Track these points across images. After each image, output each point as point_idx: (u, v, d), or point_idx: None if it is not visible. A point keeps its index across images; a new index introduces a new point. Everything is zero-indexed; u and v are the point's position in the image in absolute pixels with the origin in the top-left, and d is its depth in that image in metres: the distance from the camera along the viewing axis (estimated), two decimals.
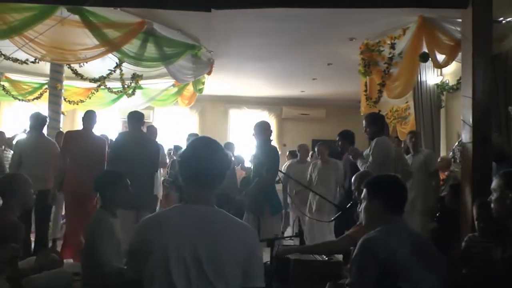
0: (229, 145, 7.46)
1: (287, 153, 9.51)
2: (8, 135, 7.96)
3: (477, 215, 3.40)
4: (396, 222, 2.34)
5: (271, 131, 5.40)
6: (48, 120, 6.29)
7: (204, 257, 1.77)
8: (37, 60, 7.31)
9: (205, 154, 1.92)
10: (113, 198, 3.36)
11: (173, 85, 10.02)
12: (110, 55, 7.05)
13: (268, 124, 5.48)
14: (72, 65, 8.27)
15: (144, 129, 5.82)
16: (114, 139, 6.29)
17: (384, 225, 2.31)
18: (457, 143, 6.96)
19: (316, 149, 7.22)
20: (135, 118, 5.53)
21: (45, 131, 6.20)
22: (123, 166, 4.97)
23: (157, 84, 10.01)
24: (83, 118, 5.78)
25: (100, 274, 3.11)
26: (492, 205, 2.59)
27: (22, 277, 2.94)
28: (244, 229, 1.95)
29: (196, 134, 6.49)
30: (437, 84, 7.80)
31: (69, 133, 5.95)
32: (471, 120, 4.07)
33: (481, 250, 3.26)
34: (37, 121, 5.88)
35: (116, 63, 8.04)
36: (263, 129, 5.28)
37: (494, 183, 2.59)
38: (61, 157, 5.53)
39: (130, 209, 4.84)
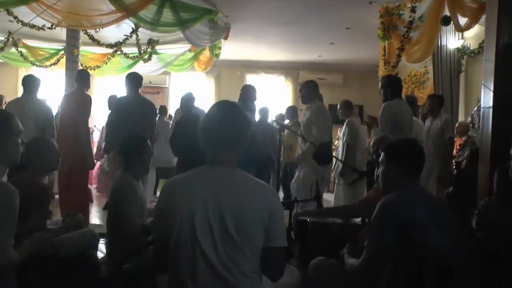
0: (264, 110, 7.29)
1: None
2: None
3: (497, 179, 3.38)
4: (413, 185, 2.35)
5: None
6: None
7: (227, 217, 1.82)
8: (53, 26, 7.33)
9: (223, 116, 1.95)
10: (139, 162, 3.40)
11: (190, 50, 10.03)
12: (126, 20, 7.01)
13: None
14: (88, 30, 8.25)
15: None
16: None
17: (402, 188, 2.32)
18: (476, 108, 6.89)
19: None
20: (133, 80, 5.51)
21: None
22: (123, 129, 5.08)
23: (173, 49, 10.01)
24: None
25: (125, 235, 3.20)
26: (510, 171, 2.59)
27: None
28: (266, 189, 1.98)
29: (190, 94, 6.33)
30: (457, 48, 7.66)
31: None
32: (492, 85, 4.00)
33: (497, 215, 3.26)
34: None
35: (132, 28, 8.02)
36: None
37: None
38: None
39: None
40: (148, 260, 2.88)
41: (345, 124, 6.17)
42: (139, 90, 5.64)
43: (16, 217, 2.10)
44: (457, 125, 6.79)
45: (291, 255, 3.77)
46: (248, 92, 5.47)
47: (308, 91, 5.24)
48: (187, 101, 5.85)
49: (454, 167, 6.01)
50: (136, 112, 5.33)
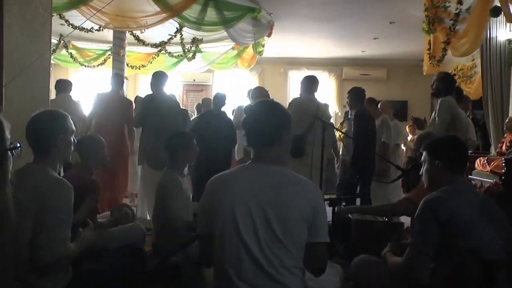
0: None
1: None
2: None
3: None
4: (458, 182, 2.32)
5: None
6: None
7: (270, 213, 1.86)
8: (101, 28, 7.59)
9: (261, 115, 2.01)
10: (185, 158, 3.51)
11: (233, 48, 10.08)
12: (170, 20, 7.14)
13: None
14: (134, 31, 8.46)
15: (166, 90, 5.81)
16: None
17: (446, 186, 2.29)
18: None
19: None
20: (158, 78, 5.55)
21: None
22: (151, 127, 5.30)
23: (217, 48, 10.08)
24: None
25: (171, 230, 3.28)
26: None
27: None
28: (308, 185, 2.01)
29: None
30: (508, 40, 7.37)
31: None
32: None
33: None
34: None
35: (177, 28, 8.18)
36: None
37: None
38: None
39: (156, 169, 5.13)
40: (194, 254, 2.93)
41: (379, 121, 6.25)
42: (164, 88, 5.67)
43: (72, 211, 2.21)
44: (506, 120, 6.56)
45: (335, 252, 3.79)
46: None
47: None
48: (220, 99, 5.99)
49: (503, 164, 5.83)
50: (162, 110, 5.42)
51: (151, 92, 5.59)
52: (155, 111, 5.36)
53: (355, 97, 5.65)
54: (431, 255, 2.18)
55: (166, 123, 5.28)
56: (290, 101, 5.65)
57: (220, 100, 5.95)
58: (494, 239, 2.16)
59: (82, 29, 7.83)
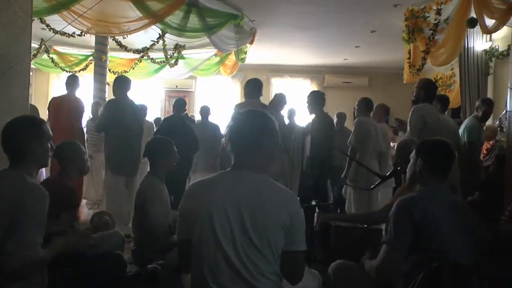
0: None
1: None
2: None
3: None
4: (437, 186, 2.35)
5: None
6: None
7: (248, 220, 1.85)
8: (83, 33, 7.54)
9: (246, 122, 2.01)
10: (165, 164, 3.49)
11: (216, 55, 10.11)
12: (153, 26, 7.14)
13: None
14: (116, 37, 8.42)
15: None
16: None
17: (424, 187, 2.34)
18: (504, 112, 6.76)
19: None
20: (121, 83, 5.55)
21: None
22: (113, 133, 5.29)
23: (200, 54, 10.09)
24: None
25: (151, 237, 3.26)
26: None
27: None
28: (286, 194, 2.00)
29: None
30: (485, 50, 7.52)
31: None
32: None
33: None
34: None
35: (159, 34, 8.15)
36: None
37: None
38: None
39: (120, 174, 5.26)
40: (173, 260, 2.92)
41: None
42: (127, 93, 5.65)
43: (45, 218, 2.19)
44: (484, 128, 6.65)
45: (314, 259, 3.79)
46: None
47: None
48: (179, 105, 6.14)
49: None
50: (127, 114, 5.43)
51: (113, 97, 5.63)
52: (119, 116, 5.34)
53: (313, 101, 5.46)
54: (405, 255, 2.20)
55: (130, 129, 5.32)
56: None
57: (179, 105, 6.07)
58: (464, 244, 2.20)
59: (63, 33, 7.77)
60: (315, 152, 5.27)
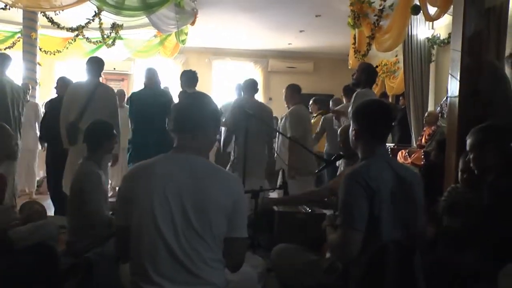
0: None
1: None
2: None
3: (462, 165, 3.28)
4: (379, 152, 2.21)
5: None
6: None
7: (188, 204, 1.80)
8: (7, 7, 6.92)
9: (187, 104, 2.01)
10: (102, 149, 3.35)
11: (155, 36, 9.85)
12: (88, 3, 6.64)
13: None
14: (47, 13, 7.92)
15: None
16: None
17: (367, 155, 2.21)
18: (445, 98, 6.88)
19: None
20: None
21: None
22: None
23: (139, 35, 9.80)
24: None
25: (89, 226, 3.11)
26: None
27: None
28: (229, 178, 1.97)
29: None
30: (428, 38, 7.66)
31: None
32: (458, 74, 3.95)
33: (463, 200, 3.18)
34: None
35: (95, 11, 7.80)
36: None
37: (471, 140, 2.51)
38: None
39: None
40: (110, 250, 2.77)
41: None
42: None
43: None
44: (426, 114, 6.79)
45: (258, 245, 3.73)
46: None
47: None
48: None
49: (422, 157, 6.00)
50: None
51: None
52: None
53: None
54: (363, 230, 2.03)
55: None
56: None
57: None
58: (412, 216, 2.14)
59: None
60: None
